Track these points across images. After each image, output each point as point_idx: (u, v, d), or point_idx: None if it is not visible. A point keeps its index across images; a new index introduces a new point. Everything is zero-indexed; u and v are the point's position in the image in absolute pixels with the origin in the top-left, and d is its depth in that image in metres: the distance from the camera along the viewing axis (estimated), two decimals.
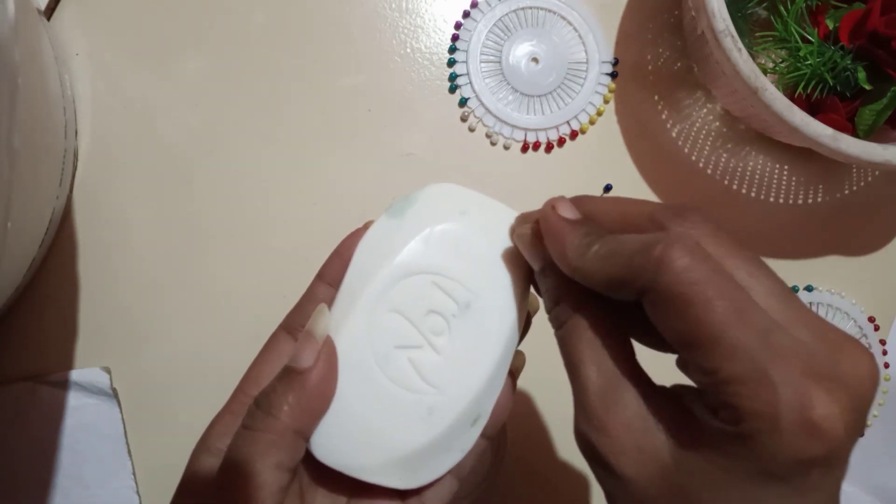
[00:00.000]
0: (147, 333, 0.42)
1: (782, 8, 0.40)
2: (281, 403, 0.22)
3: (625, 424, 0.20)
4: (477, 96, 0.44)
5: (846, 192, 0.47)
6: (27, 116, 0.32)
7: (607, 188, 0.45)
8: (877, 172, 0.47)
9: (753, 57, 0.36)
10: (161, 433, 0.42)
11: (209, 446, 0.24)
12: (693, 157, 0.46)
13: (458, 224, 0.25)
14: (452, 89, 0.45)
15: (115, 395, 0.41)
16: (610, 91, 0.46)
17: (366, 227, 0.26)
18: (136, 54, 0.44)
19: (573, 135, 0.45)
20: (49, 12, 0.43)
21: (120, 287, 0.42)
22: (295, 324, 0.26)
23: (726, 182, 0.46)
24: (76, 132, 0.43)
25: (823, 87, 0.39)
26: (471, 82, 0.44)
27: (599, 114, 0.45)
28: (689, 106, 0.46)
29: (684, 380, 0.20)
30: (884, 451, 0.46)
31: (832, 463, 0.17)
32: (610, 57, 0.46)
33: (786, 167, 0.47)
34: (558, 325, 0.23)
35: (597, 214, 0.23)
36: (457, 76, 0.45)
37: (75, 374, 0.41)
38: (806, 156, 0.46)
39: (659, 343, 0.21)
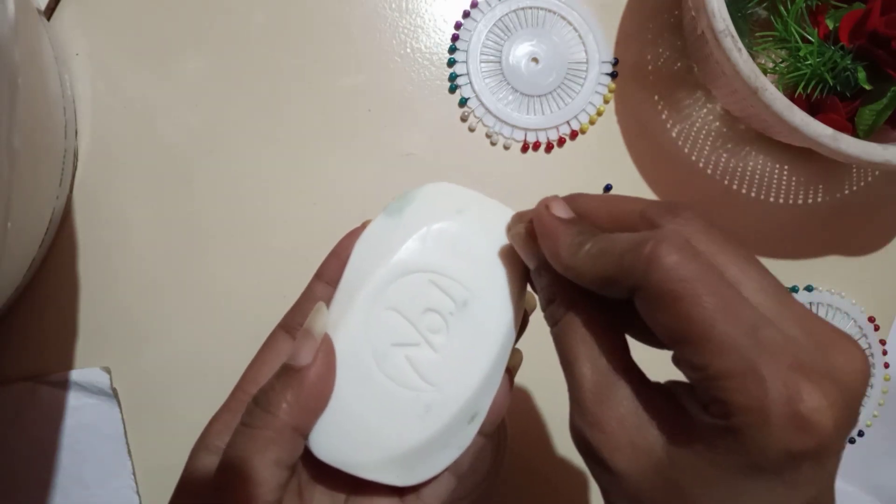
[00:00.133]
0: (147, 333, 0.42)
1: (782, 8, 0.40)
2: (279, 401, 0.22)
3: (618, 420, 0.20)
4: (477, 96, 0.44)
5: (846, 192, 0.47)
6: (27, 116, 0.32)
7: (607, 188, 0.45)
8: (877, 172, 0.47)
9: (753, 57, 0.36)
10: (161, 433, 0.42)
11: (208, 444, 0.24)
12: (693, 157, 0.46)
13: (455, 223, 0.25)
14: (452, 89, 0.45)
15: (115, 395, 0.41)
16: (610, 91, 0.46)
17: (363, 226, 0.26)
18: (136, 54, 0.44)
19: (573, 135, 0.45)
20: (49, 12, 0.43)
21: (120, 287, 0.42)
22: (293, 323, 0.26)
23: (726, 182, 0.46)
24: (76, 132, 0.43)
25: (823, 87, 0.39)
26: (471, 82, 0.44)
27: (599, 114, 0.45)
28: (689, 106, 0.46)
29: (680, 376, 0.20)
30: (884, 451, 0.46)
31: (823, 456, 0.17)
32: (610, 57, 0.46)
33: (786, 167, 0.47)
34: (553, 322, 0.23)
35: (590, 212, 0.23)
36: (457, 76, 0.45)
37: (75, 374, 0.41)
38: (806, 156, 0.46)
39: (653, 340, 0.21)
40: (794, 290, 0.46)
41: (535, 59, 0.45)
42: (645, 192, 0.46)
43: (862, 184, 0.47)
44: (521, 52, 0.45)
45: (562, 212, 0.23)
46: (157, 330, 0.42)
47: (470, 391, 0.24)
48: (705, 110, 0.46)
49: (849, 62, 0.39)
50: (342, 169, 0.44)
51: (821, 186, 0.47)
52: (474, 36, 0.45)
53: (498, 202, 0.26)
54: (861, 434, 0.46)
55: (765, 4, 0.42)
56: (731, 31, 0.36)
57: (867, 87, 0.39)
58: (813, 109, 0.41)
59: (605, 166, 0.45)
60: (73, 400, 0.41)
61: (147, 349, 0.42)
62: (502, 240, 0.25)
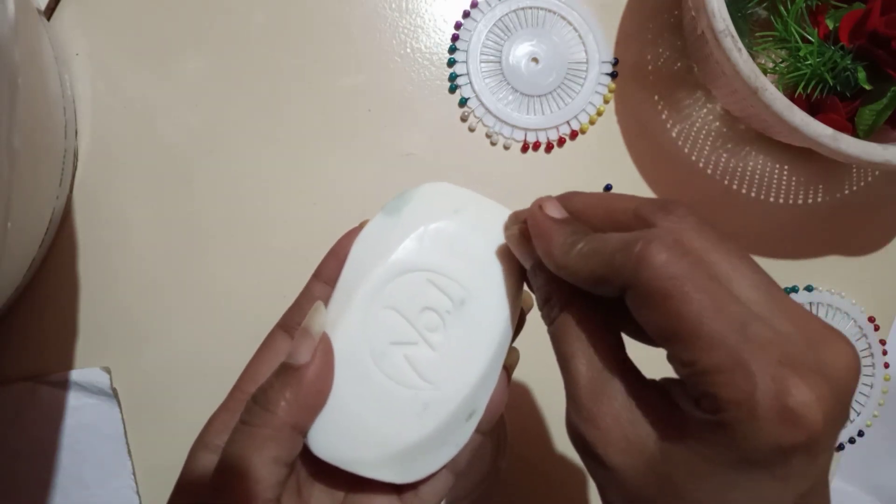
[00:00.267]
0: (147, 333, 0.42)
1: (782, 8, 0.40)
2: (278, 399, 0.22)
3: (613, 416, 0.20)
4: (477, 96, 0.44)
5: (846, 192, 0.47)
6: (27, 116, 0.32)
7: (607, 188, 0.45)
8: (877, 172, 0.47)
9: (753, 57, 0.36)
10: (161, 433, 0.42)
11: (207, 443, 0.24)
12: (693, 157, 0.46)
13: (453, 222, 0.25)
14: (452, 89, 0.45)
15: (115, 395, 0.41)
16: (610, 91, 0.46)
17: (361, 226, 0.26)
18: (136, 54, 0.44)
19: (573, 135, 0.45)
20: (49, 12, 0.43)
21: (120, 287, 0.42)
22: (292, 322, 0.26)
23: (726, 182, 0.46)
24: (76, 132, 0.43)
25: (823, 87, 0.39)
26: (471, 82, 0.44)
27: (599, 114, 0.45)
28: (689, 106, 0.46)
29: (674, 373, 0.20)
30: (884, 451, 0.46)
31: (813, 450, 0.17)
32: (610, 57, 0.46)
33: (786, 167, 0.47)
34: (550, 321, 0.23)
35: (585, 210, 0.23)
36: (457, 76, 0.45)
37: (75, 374, 0.41)
38: (806, 156, 0.46)
39: (647, 337, 0.21)
40: (794, 290, 0.46)
41: (535, 59, 0.45)
42: (645, 192, 0.46)
43: (862, 184, 0.47)
44: (521, 52, 0.45)
45: (555, 212, 0.23)
46: (157, 330, 0.42)
47: (467, 389, 0.24)
48: (705, 110, 0.46)
49: (849, 62, 0.39)
50: (342, 169, 0.44)
51: (821, 186, 0.47)
52: (474, 36, 0.45)
53: (495, 202, 0.27)
54: (861, 434, 0.46)
55: (765, 4, 0.42)
56: (731, 31, 0.36)
57: (867, 87, 0.39)
58: (813, 109, 0.41)
59: (605, 166, 0.45)
60: (73, 400, 0.41)
61: (147, 349, 0.42)
62: (499, 239, 0.26)
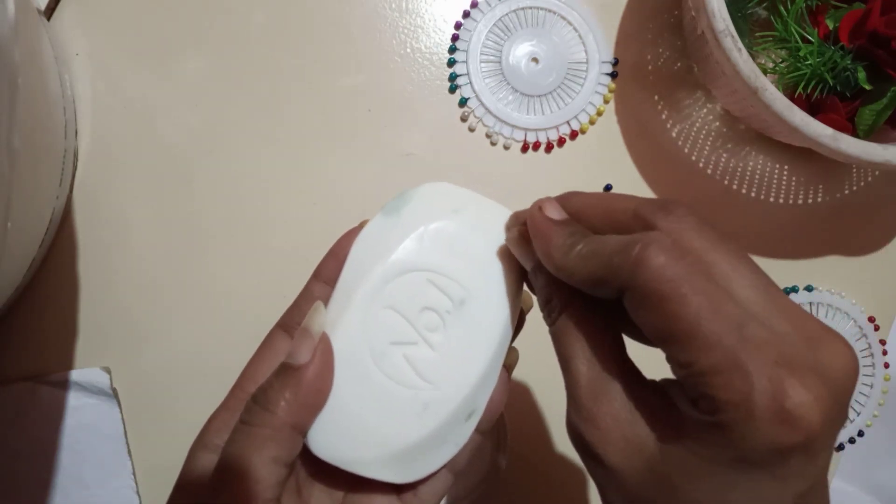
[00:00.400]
0: (147, 333, 0.42)
1: (782, 8, 0.40)
2: (278, 399, 0.22)
3: (612, 416, 0.21)
4: (477, 96, 0.44)
5: (846, 192, 0.47)
6: (27, 116, 0.32)
7: (607, 188, 0.45)
8: (877, 172, 0.47)
9: (753, 57, 0.36)
10: (161, 433, 0.42)
11: (206, 442, 0.24)
12: (693, 157, 0.46)
13: (453, 222, 0.25)
14: (452, 89, 0.45)
15: (115, 395, 0.41)
16: (610, 91, 0.46)
17: (361, 226, 0.26)
18: (136, 54, 0.44)
19: (573, 135, 0.45)
20: (49, 12, 0.43)
21: (120, 287, 0.42)
22: (292, 322, 0.27)
23: (726, 182, 0.46)
24: (76, 132, 0.43)
25: (823, 87, 0.39)
26: (471, 82, 0.44)
27: (599, 114, 0.45)
28: (689, 106, 0.46)
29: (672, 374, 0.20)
30: (884, 451, 0.46)
31: (811, 450, 0.17)
32: (610, 57, 0.46)
33: (786, 167, 0.47)
34: (551, 321, 0.23)
35: (584, 210, 0.23)
36: (457, 76, 0.45)
37: (75, 374, 0.41)
38: (806, 156, 0.46)
39: (647, 338, 0.21)
40: (794, 290, 0.46)
41: (535, 59, 0.45)
42: (645, 192, 0.46)
43: (862, 184, 0.47)
44: (521, 52, 0.45)
45: (554, 213, 0.23)
46: (157, 330, 0.42)
47: (467, 389, 0.24)
48: (705, 110, 0.46)
49: (849, 62, 0.39)
50: (342, 169, 0.44)
51: (821, 186, 0.47)
52: (474, 36, 0.45)
53: (494, 202, 0.27)
54: (861, 434, 0.46)
55: (765, 4, 0.42)
56: (731, 31, 0.36)
57: (867, 87, 0.39)
58: (813, 109, 0.41)
59: (605, 166, 0.45)
60: (73, 400, 0.41)
61: (147, 349, 0.42)
62: (499, 239, 0.26)
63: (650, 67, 0.46)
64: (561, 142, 0.45)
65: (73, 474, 0.41)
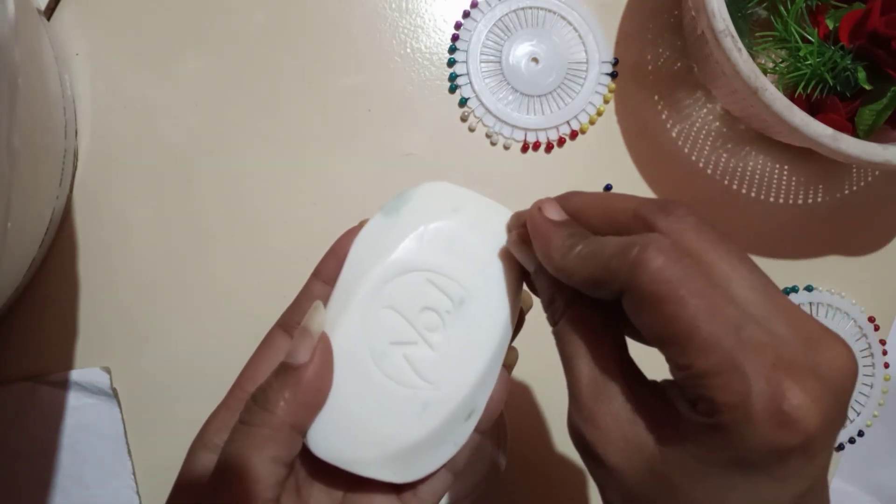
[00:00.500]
0: (147, 333, 0.42)
1: (782, 8, 0.40)
2: (277, 399, 0.22)
3: (613, 416, 0.21)
4: (477, 96, 0.44)
5: (846, 192, 0.47)
6: (27, 116, 0.32)
7: (607, 188, 0.45)
8: (877, 172, 0.47)
9: (753, 57, 0.36)
10: (161, 433, 0.42)
11: (206, 442, 0.24)
12: (693, 157, 0.46)
13: (452, 222, 0.25)
14: (452, 89, 0.45)
15: (115, 395, 0.41)
16: (610, 91, 0.46)
17: (361, 225, 0.26)
18: (136, 54, 0.44)
19: (573, 135, 0.45)
20: (49, 12, 0.43)
21: (120, 287, 0.42)
22: (291, 321, 0.27)
23: (726, 182, 0.46)
24: (76, 132, 0.43)
25: (823, 87, 0.39)
26: (471, 82, 0.44)
27: (599, 114, 0.45)
28: (689, 106, 0.46)
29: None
30: (884, 451, 0.46)
31: (809, 452, 0.18)
32: (610, 57, 0.46)
33: (786, 167, 0.47)
34: (554, 322, 0.23)
35: (584, 210, 0.23)
36: (457, 76, 0.45)
37: (75, 374, 0.41)
38: (806, 156, 0.46)
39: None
40: (794, 290, 0.46)
41: (535, 59, 0.45)
42: (645, 192, 0.46)
43: (862, 184, 0.47)
44: (521, 52, 0.45)
45: (554, 214, 0.23)
46: (157, 330, 0.42)
47: (467, 389, 0.24)
48: (705, 110, 0.46)
49: (849, 62, 0.39)
50: (342, 169, 0.44)
51: (821, 186, 0.47)
52: (474, 36, 0.45)
53: (494, 201, 0.27)
54: (861, 434, 0.46)
55: (765, 4, 0.42)
56: (731, 31, 0.36)
57: (867, 87, 0.39)
58: (813, 109, 0.41)
59: (605, 166, 0.45)
60: (73, 400, 0.41)
61: (147, 349, 0.42)
62: (498, 239, 0.26)
63: (650, 67, 0.46)
64: (561, 142, 0.45)
65: (73, 474, 0.41)
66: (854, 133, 0.40)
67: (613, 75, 0.46)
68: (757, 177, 0.46)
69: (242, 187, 0.44)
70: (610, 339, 0.22)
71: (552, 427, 0.44)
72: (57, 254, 0.42)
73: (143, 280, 0.43)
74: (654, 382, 0.22)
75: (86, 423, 0.41)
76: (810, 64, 0.39)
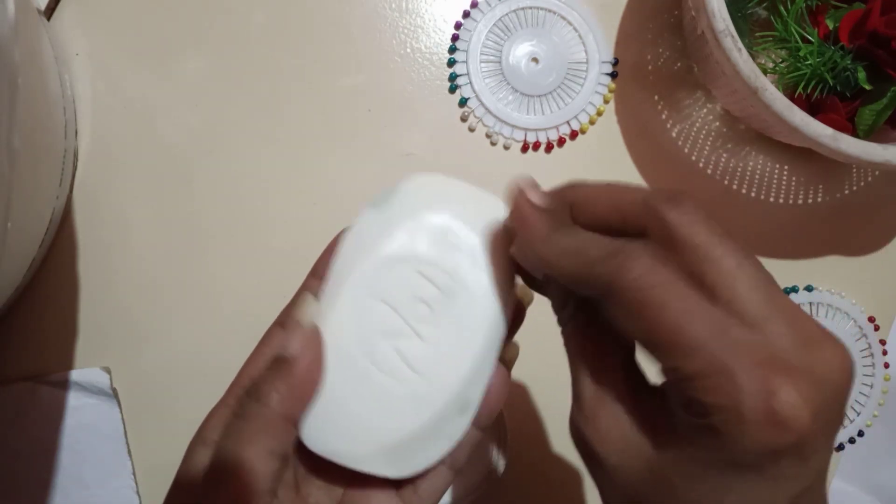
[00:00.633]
0: (147, 333, 0.42)
1: (782, 8, 0.40)
2: (270, 391, 0.22)
3: (614, 417, 0.21)
4: (477, 96, 0.44)
5: (846, 192, 0.47)
6: (27, 116, 0.32)
7: None
8: (877, 172, 0.47)
9: (753, 57, 0.36)
10: (161, 433, 0.42)
11: (204, 438, 0.24)
12: (693, 157, 0.46)
13: (443, 213, 0.25)
14: (452, 89, 0.45)
15: (115, 395, 0.41)
16: (610, 91, 0.46)
17: None
18: (136, 54, 0.44)
19: (573, 135, 0.45)
20: (49, 12, 0.43)
21: (120, 287, 0.42)
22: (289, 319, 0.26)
23: (726, 182, 0.46)
24: (76, 132, 0.43)
25: (823, 87, 0.39)
26: (471, 82, 0.44)
27: (599, 114, 0.45)
28: (689, 106, 0.46)
29: None
30: (884, 451, 0.46)
31: (803, 452, 0.18)
32: (610, 57, 0.46)
33: (786, 167, 0.47)
34: (564, 324, 0.24)
35: (589, 201, 0.23)
36: (457, 76, 0.45)
37: (75, 374, 0.41)
38: (806, 156, 0.46)
39: None
40: (794, 290, 0.46)
41: (535, 59, 0.45)
42: None
43: (862, 184, 0.47)
44: (521, 52, 0.45)
45: (536, 198, 0.23)
46: (157, 330, 0.42)
47: (459, 380, 0.24)
48: (705, 110, 0.46)
49: (849, 62, 0.39)
50: (342, 169, 0.44)
51: (821, 186, 0.47)
52: (474, 36, 0.45)
53: (487, 192, 0.26)
54: (861, 434, 0.46)
55: (765, 4, 0.42)
56: (731, 31, 0.36)
57: (867, 87, 0.39)
58: (813, 109, 0.41)
59: (605, 166, 0.45)
60: (73, 400, 0.41)
61: (147, 349, 0.42)
62: (490, 229, 0.25)
63: (650, 67, 0.46)
64: (561, 142, 0.45)
65: (73, 474, 0.41)
66: (854, 133, 0.40)
67: (613, 75, 0.46)
68: (757, 177, 0.46)
69: (242, 187, 0.44)
70: (618, 342, 0.22)
71: (552, 428, 0.44)
72: (57, 254, 0.42)
73: (143, 280, 0.43)
74: (655, 386, 0.22)
75: (86, 423, 0.41)
76: (810, 64, 0.39)
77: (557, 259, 0.21)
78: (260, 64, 0.44)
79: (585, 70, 0.45)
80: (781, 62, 0.41)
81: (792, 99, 0.37)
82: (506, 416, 0.42)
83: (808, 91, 0.39)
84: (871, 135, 0.40)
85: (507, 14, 0.45)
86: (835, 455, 0.46)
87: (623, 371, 0.22)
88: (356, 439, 0.24)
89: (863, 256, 0.47)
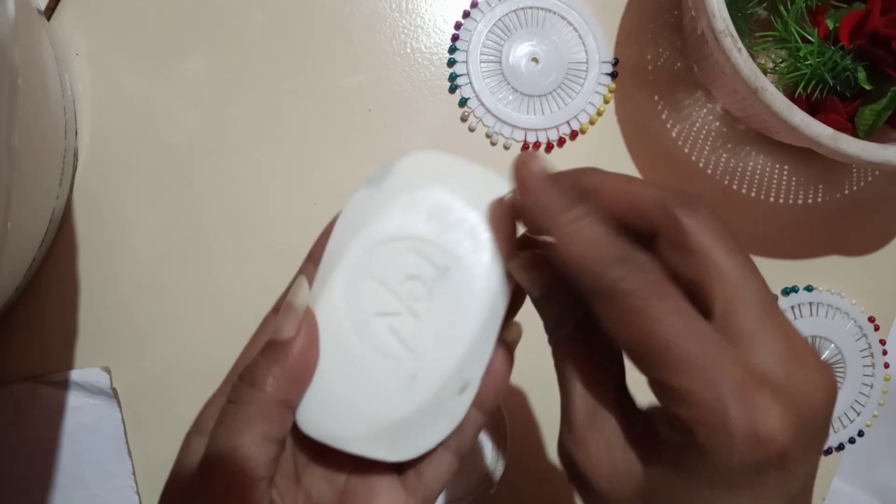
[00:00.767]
0: (147, 333, 0.42)
1: (782, 8, 0.40)
2: (265, 375, 0.22)
3: (605, 442, 0.21)
4: (477, 96, 0.44)
5: (846, 192, 0.47)
6: (27, 116, 0.32)
7: None
8: (877, 172, 0.47)
9: (753, 57, 0.36)
10: (161, 433, 0.42)
11: (201, 427, 0.24)
12: (693, 157, 0.46)
13: (438, 188, 0.24)
14: (452, 89, 0.45)
15: (115, 395, 0.41)
16: (610, 91, 0.46)
17: None
18: (136, 54, 0.44)
19: (573, 135, 0.45)
20: (49, 12, 0.43)
21: (120, 287, 0.42)
22: None
23: (726, 182, 0.46)
24: (76, 132, 0.43)
25: (823, 87, 0.39)
26: (471, 82, 0.44)
27: (599, 114, 0.45)
28: (689, 106, 0.46)
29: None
30: (884, 451, 0.46)
31: (787, 467, 0.18)
32: (610, 57, 0.46)
33: (786, 167, 0.47)
34: (557, 342, 0.23)
35: (603, 190, 0.22)
36: (457, 76, 0.45)
37: (75, 374, 0.41)
38: (806, 156, 0.46)
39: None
40: (794, 290, 0.46)
41: (535, 59, 0.45)
42: None
43: (862, 184, 0.47)
44: (521, 52, 0.45)
45: (543, 172, 0.22)
46: (157, 330, 0.42)
47: (455, 359, 0.23)
48: (705, 110, 0.46)
49: (849, 62, 0.39)
50: (342, 169, 0.44)
51: (821, 186, 0.47)
52: (474, 36, 0.45)
53: (482, 167, 0.25)
54: (861, 434, 0.46)
55: (765, 4, 0.42)
56: (731, 31, 0.36)
57: (867, 87, 0.39)
58: (813, 109, 0.41)
59: (605, 166, 0.45)
60: (73, 400, 0.41)
61: (147, 349, 0.42)
62: (486, 204, 0.24)
63: (650, 67, 0.46)
64: (561, 142, 0.45)
65: (74, 474, 0.41)
66: (854, 133, 0.40)
67: (613, 75, 0.46)
68: (757, 177, 0.46)
69: (242, 187, 0.44)
70: (611, 365, 0.22)
71: (551, 428, 0.44)
72: (57, 254, 0.42)
73: (143, 280, 0.43)
74: (642, 409, 0.22)
75: (86, 423, 0.41)
76: (810, 64, 0.39)
77: (575, 244, 0.20)
78: (260, 64, 0.44)
79: (585, 70, 0.45)
80: (781, 62, 0.41)
81: (792, 99, 0.37)
82: (506, 417, 0.42)
83: (808, 91, 0.39)
84: (871, 135, 0.40)
85: (507, 14, 0.45)
86: (835, 455, 0.46)
87: (617, 396, 0.22)
88: (351, 421, 0.23)
89: (863, 256, 0.47)
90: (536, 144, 0.45)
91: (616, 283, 0.19)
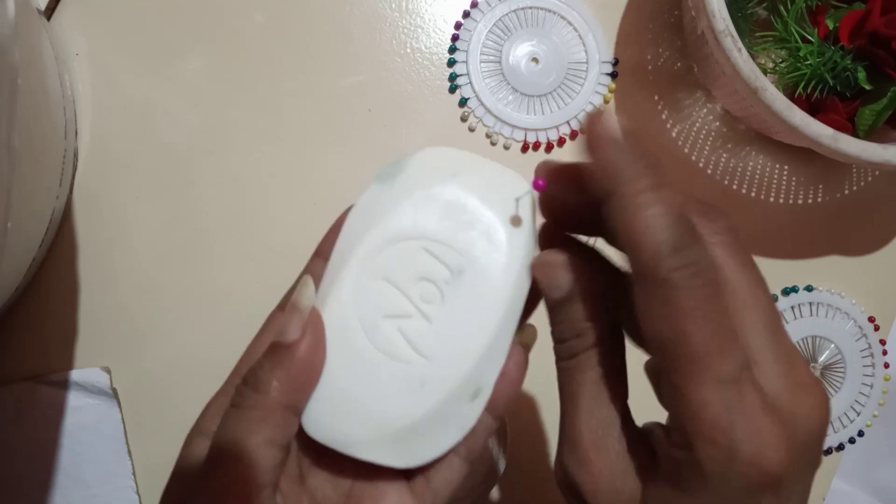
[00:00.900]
0: (147, 333, 0.42)
1: (782, 8, 0.40)
2: (269, 379, 0.21)
3: (608, 464, 0.21)
4: (477, 96, 0.44)
5: (846, 192, 0.47)
6: (27, 116, 0.32)
7: None
8: (877, 172, 0.47)
9: (753, 57, 0.36)
10: (161, 433, 0.42)
11: (203, 428, 0.24)
12: (693, 157, 0.46)
13: (451, 186, 0.23)
14: (452, 89, 0.45)
15: (115, 395, 0.41)
16: (610, 91, 0.46)
17: None
18: (136, 54, 0.44)
19: (573, 135, 0.45)
20: (49, 12, 0.43)
21: (120, 287, 0.42)
22: None
23: (726, 182, 0.46)
24: (76, 132, 0.43)
25: (823, 87, 0.39)
26: (471, 82, 0.44)
27: None
28: (689, 106, 0.46)
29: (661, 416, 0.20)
30: (884, 451, 0.46)
31: (782, 492, 0.18)
32: (610, 57, 0.46)
33: (786, 167, 0.47)
34: (568, 356, 0.22)
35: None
36: (457, 76, 0.45)
37: (75, 374, 0.41)
38: (806, 156, 0.46)
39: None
40: (794, 290, 0.46)
41: (535, 59, 0.45)
42: None
43: (862, 184, 0.47)
44: (521, 52, 0.45)
45: (617, 130, 0.20)
46: (157, 330, 0.42)
47: (468, 364, 0.22)
48: (705, 110, 0.46)
49: (849, 62, 0.39)
50: (342, 169, 0.44)
51: (821, 186, 0.47)
52: (474, 36, 0.45)
53: (499, 164, 0.24)
54: (861, 434, 0.46)
55: (765, 4, 0.42)
56: (731, 31, 0.36)
57: (867, 87, 0.39)
58: (813, 109, 0.40)
59: None
60: (73, 400, 0.41)
61: (147, 349, 0.42)
62: (502, 203, 0.23)
63: (650, 67, 0.46)
64: (561, 142, 0.45)
65: (74, 474, 0.41)
66: (854, 133, 0.40)
67: (613, 75, 0.46)
68: (757, 177, 0.46)
69: (242, 187, 0.44)
70: (619, 385, 0.22)
71: (551, 428, 0.44)
72: (57, 254, 0.42)
73: (143, 280, 0.43)
74: (640, 427, 0.22)
75: (86, 423, 0.41)
76: (810, 64, 0.39)
77: (635, 209, 0.18)
78: (260, 64, 0.44)
79: (585, 70, 0.45)
80: (781, 62, 0.41)
81: (792, 99, 0.37)
82: (506, 417, 0.42)
83: (808, 91, 0.39)
84: (871, 135, 0.40)
85: (507, 14, 0.45)
86: (835, 455, 0.46)
87: (622, 418, 0.21)
88: (358, 426, 0.22)
89: (863, 256, 0.47)
90: (536, 144, 0.45)
91: (670, 273, 0.18)
